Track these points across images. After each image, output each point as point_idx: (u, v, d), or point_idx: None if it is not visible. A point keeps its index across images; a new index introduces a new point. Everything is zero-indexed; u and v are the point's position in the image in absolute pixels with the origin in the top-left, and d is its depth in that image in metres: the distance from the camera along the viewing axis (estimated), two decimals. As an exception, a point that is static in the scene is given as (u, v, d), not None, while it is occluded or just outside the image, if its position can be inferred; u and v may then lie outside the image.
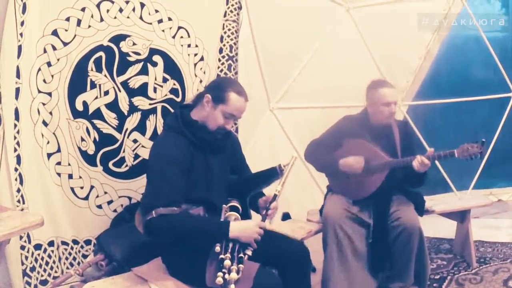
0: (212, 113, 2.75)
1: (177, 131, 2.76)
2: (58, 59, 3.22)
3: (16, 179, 3.07)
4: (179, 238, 2.63)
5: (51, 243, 3.28)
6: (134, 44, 3.50)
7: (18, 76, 3.05)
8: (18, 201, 3.08)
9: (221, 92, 2.75)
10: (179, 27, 3.71)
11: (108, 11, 3.38)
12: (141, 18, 3.53)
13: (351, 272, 3.41)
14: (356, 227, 3.49)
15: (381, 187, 3.52)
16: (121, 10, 3.44)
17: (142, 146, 3.60)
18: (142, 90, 3.57)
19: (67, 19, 3.23)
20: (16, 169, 3.07)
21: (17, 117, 3.07)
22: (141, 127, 3.60)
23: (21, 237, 3.10)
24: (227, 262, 2.44)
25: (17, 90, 3.06)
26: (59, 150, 3.29)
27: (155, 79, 3.62)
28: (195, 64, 3.83)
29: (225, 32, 4.01)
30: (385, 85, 3.62)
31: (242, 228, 2.60)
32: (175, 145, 2.70)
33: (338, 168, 3.56)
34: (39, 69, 3.15)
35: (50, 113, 3.23)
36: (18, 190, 3.08)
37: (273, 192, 2.77)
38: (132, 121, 3.56)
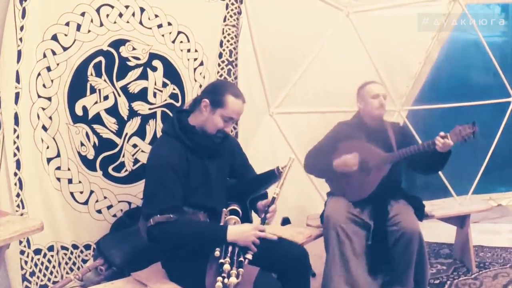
0: (211, 117, 2.76)
1: (174, 136, 2.77)
2: (57, 64, 3.22)
3: (15, 184, 3.07)
4: (179, 244, 2.65)
5: (50, 248, 3.27)
6: (133, 49, 3.51)
7: (17, 81, 3.05)
8: (18, 206, 3.07)
9: (218, 96, 2.76)
10: (179, 32, 3.72)
11: (107, 16, 3.39)
12: (140, 23, 3.54)
13: (352, 274, 3.41)
14: (357, 229, 3.49)
15: (380, 185, 3.54)
16: (120, 15, 3.45)
17: (142, 151, 3.60)
18: (142, 95, 3.58)
19: (67, 24, 3.23)
20: (15, 174, 3.07)
21: (16, 122, 3.06)
22: (140, 132, 3.60)
23: (20, 242, 3.10)
24: (227, 267, 2.44)
25: (17, 95, 3.06)
26: (58, 155, 3.29)
27: (155, 84, 3.62)
28: (194, 69, 3.84)
29: (224, 37, 4.02)
30: (372, 82, 3.83)
31: (239, 231, 2.60)
32: (171, 150, 2.71)
33: (335, 170, 3.57)
34: (39, 74, 3.15)
35: (50, 118, 3.23)
36: (18, 195, 3.08)
37: (272, 195, 2.77)
38: (131, 126, 3.56)
